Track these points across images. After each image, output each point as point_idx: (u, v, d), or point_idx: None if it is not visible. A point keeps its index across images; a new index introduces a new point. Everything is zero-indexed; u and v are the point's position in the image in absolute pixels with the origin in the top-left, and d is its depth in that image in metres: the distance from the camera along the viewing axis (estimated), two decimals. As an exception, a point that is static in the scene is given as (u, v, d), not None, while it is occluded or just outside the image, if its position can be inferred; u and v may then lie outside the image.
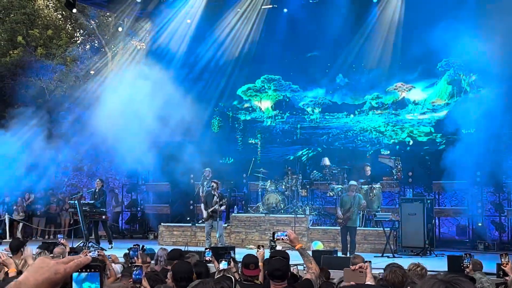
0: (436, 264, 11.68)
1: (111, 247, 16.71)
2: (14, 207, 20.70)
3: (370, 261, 6.59)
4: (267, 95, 21.75)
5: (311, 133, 20.94)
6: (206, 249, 8.29)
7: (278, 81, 21.46)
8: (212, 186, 15.75)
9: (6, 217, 20.11)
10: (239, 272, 6.73)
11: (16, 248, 8.26)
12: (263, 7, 20.31)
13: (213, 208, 15.46)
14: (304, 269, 5.83)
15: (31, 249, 7.78)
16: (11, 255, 7.56)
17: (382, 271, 6.69)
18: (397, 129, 19.62)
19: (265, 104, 21.85)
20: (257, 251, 7.29)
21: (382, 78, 19.55)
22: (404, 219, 15.29)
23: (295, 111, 21.19)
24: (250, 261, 6.11)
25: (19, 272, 6.28)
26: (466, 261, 7.27)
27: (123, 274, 6.48)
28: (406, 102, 19.52)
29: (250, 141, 21.76)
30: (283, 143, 21.29)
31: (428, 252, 14.85)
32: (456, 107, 18.25)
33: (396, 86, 19.63)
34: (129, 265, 7.53)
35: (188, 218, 19.23)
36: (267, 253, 7.29)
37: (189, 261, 7.38)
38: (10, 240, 14.50)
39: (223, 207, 15.71)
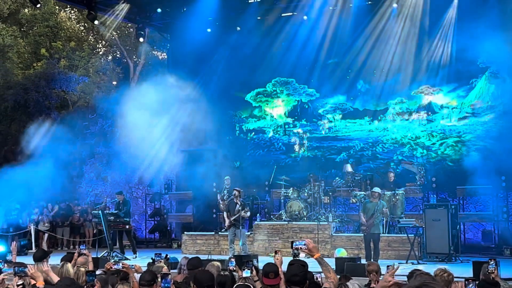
0: (462, 270, 11.55)
1: (136, 256, 16.79)
2: (40, 217, 20.91)
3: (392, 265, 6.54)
4: (279, 100, 21.71)
5: (326, 148, 20.80)
6: (230, 258, 8.27)
7: (292, 84, 21.38)
8: (234, 194, 15.77)
9: (32, 228, 20.31)
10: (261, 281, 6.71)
11: (40, 259, 8.33)
12: (282, 15, 20.33)
13: (235, 216, 15.47)
14: (321, 281, 5.79)
15: (47, 265, 7.82)
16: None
17: (405, 277, 6.62)
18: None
19: (278, 111, 21.81)
20: (275, 256, 7.24)
21: (404, 83, 19.42)
22: (428, 225, 15.15)
23: (314, 118, 21.11)
24: (269, 270, 6.05)
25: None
26: (491, 266, 7.16)
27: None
28: (433, 106, 19.18)
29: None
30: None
31: (453, 258, 14.70)
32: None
33: (421, 89, 19.32)
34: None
35: (211, 227, 19.24)
36: (289, 261, 7.26)
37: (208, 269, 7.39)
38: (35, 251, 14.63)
39: (248, 213, 15.74)
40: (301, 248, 5.65)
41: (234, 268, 7.78)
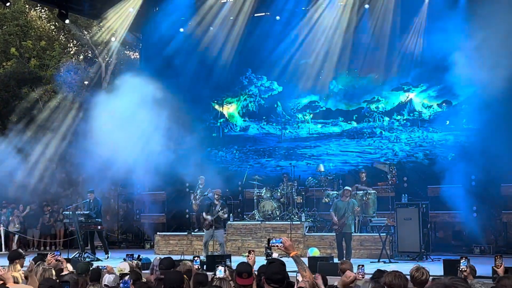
0: (433, 269, 11.65)
1: (108, 257, 16.67)
2: (10, 218, 20.66)
3: (363, 265, 6.60)
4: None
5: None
6: (194, 257, 8.24)
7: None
8: (215, 196, 15.84)
9: (1, 230, 20.06)
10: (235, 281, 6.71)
11: (12, 259, 8.23)
12: (255, 15, 20.36)
13: (216, 216, 15.50)
14: (297, 279, 5.80)
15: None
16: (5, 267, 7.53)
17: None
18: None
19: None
20: (247, 256, 7.23)
21: (377, 84, 19.58)
22: (399, 224, 15.30)
23: (283, 118, 21.16)
24: (243, 270, 6.05)
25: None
26: (463, 264, 7.19)
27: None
28: (414, 105, 19.28)
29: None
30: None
31: (424, 256, 14.84)
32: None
33: (401, 86, 19.39)
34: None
35: (183, 227, 19.21)
36: (261, 260, 7.28)
37: (180, 269, 7.38)
38: (7, 252, 14.45)
39: (225, 215, 15.79)
40: (277, 246, 5.66)
41: (198, 267, 7.76)
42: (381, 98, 19.64)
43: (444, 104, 18.74)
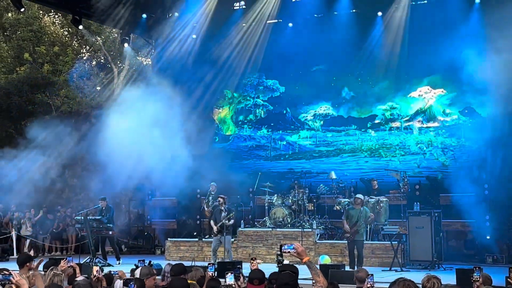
0: (445, 278, 11.56)
1: (119, 263, 16.69)
2: (22, 221, 20.75)
3: (372, 274, 6.55)
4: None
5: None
6: (209, 264, 8.23)
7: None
8: (219, 201, 15.77)
9: (13, 234, 20.13)
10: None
11: (23, 263, 8.24)
12: (268, 22, 20.37)
13: (221, 223, 15.46)
14: (312, 284, 5.78)
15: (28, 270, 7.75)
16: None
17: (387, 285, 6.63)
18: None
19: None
20: (251, 263, 7.21)
21: (390, 91, 19.50)
22: (411, 233, 15.22)
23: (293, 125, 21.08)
24: (254, 277, 6.06)
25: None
26: (476, 274, 7.14)
27: None
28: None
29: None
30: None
31: (436, 265, 14.75)
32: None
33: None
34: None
35: (195, 233, 19.18)
36: (273, 268, 7.24)
37: (192, 276, 7.37)
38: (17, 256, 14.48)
39: (231, 221, 15.73)
40: (290, 252, 5.65)
41: (213, 274, 7.75)
42: (395, 105, 19.52)
43: (465, 110, 18.47)
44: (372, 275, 6.78)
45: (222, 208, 15.58)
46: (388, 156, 19.41)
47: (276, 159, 21.16)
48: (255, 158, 21.48)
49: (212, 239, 16.25)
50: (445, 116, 18.82)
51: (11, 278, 5.76)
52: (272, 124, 21.44)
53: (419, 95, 19.13)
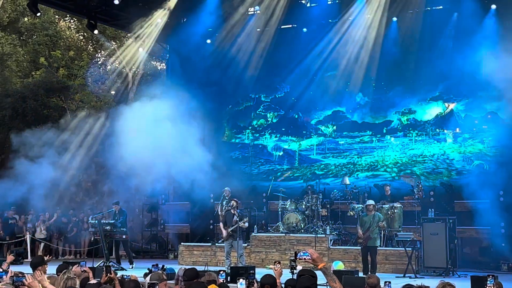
0: (460, 285, 11.48)
1: (132, 267, 16.71)
2: (36, 224, 20.86)
3: (389, 281, 6.51)
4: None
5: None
6: (219, 271, 8.22)
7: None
8: (232, 205, 15.69)
9: (28, 237, 20.24)
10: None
11: (36, 266, 8.26)
12: (282, 27, 20.37)
13: (233, 227, 15.37)
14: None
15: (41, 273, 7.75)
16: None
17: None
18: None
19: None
20: (274, 268, 7.18)
21: (404, 97, 19.41)
22: (426, 239, 15.13)
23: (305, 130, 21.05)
24: (265, 282, 6.05)
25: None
26: (489, 282, 7.10)
27: None
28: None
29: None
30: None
31: (451, 272, 14.64)
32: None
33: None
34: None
35: (207, 238, 19.19)
36: (287, 273, 7.22)
37: (205, 280, 7.35)
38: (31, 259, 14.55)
39: (246, 224, 15.59)
40: (305, 258, 5.62)
41: (224, 281, 7.74)
42: (413, 110, 19.42)
43: (488, 116, 18.21)
44: (389, 282, 6.75)
45: (234, 212, 15.48)
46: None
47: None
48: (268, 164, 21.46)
49: (224, 244, 16.21)
50: (465, 121, 18.63)
51: (23, 280, 5.79)
52: (283, 129, 21.42)
53: (438, 101, 18.99)
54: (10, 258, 9.72)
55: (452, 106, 18.85)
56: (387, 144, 19.72)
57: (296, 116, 21.25)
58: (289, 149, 21.17)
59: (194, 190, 19.02)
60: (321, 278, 6.10)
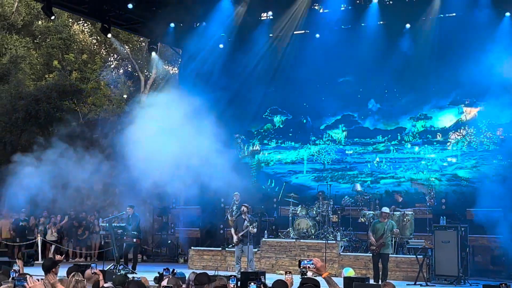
0: (471, 294, 11.43)
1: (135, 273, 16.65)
2: (47, 227, 20.93)
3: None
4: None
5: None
6: (230, 276, 8.21)
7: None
8: (243, 210, 15.71)
9: (39, 239, 20.30)
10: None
11: (49, 268, 8.25)
12: (295, 32, 20.37)
13: (243, 232, 15.38)
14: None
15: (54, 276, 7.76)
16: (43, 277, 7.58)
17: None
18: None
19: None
20: (285, 277, 7.17)
21: (417, 103, 19.32)
22: (437, 247, 15.03)
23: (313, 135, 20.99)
24: (278, 287, 6.03)
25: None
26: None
27: None
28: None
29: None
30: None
31: (462, 281, 14.53)
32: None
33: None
34: None
35: (219, 243, 19.18)
36: (297, 279, 7.19)
37: (216, 285, 7.34)
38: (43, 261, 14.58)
39: (255, 229, 15.60)
40: (309, 267, 5.59)
41: (234, 286, 7.71)
42: (429, 115, 19.30)
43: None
44: None
45: (245, 217, 15.50)
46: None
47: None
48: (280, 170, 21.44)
49: (234, 249, 16.21)
50: (479, 128, 18.51)
51: (25, 284, 5.76)
52: (290, 134, 21.38)
53: (451, 108, 18.88)
54: (20, 263, 9.69)
55: (468, 112, 18.71)
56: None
57: (304, 121, 21.19)
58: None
59: (204, 195, 19.05)
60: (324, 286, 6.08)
